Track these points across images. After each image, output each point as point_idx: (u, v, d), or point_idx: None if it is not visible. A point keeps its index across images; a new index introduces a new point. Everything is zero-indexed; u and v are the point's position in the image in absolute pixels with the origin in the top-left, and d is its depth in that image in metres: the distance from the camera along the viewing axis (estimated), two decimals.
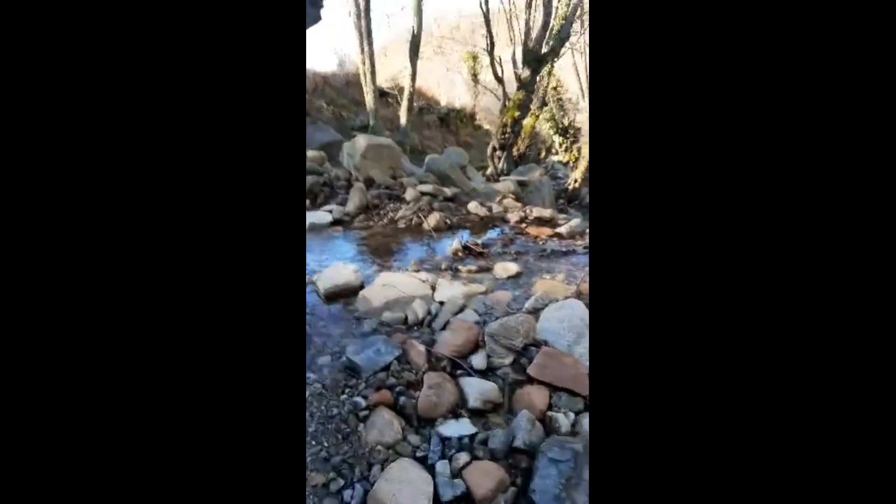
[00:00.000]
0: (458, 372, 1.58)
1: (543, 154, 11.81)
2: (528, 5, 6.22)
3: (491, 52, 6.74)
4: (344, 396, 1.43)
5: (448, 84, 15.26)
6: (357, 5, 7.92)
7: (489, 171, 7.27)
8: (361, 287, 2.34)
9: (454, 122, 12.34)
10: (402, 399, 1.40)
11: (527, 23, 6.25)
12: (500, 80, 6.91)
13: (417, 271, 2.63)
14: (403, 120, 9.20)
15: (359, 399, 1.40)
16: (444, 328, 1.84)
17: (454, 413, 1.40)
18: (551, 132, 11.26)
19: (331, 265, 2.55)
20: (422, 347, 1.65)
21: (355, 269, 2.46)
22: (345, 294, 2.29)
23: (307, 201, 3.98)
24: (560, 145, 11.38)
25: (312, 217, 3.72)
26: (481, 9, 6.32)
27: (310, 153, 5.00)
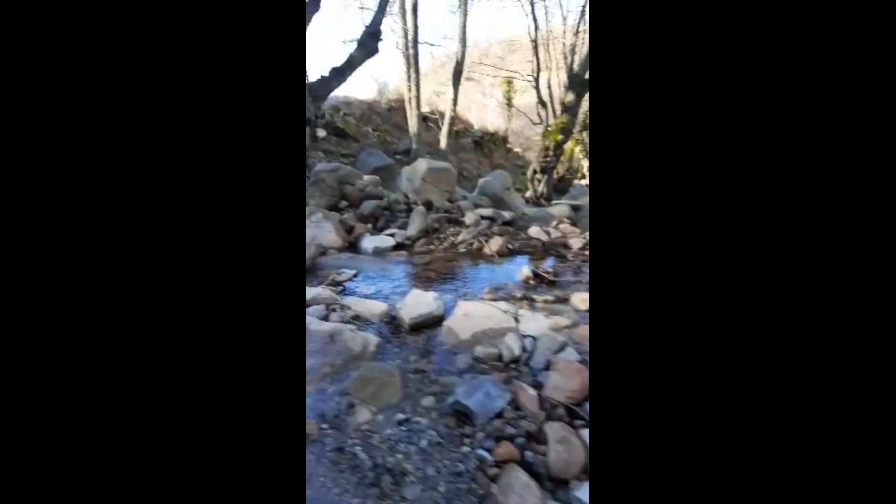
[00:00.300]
0: (577, 422, 1.42)
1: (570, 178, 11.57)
2: (575, 31, 6.16)
3: (537, 77, 6.68)
4: (466, 449, 1.29)
5: (479, 108, 15.37)
6: (405, 35, 8.11)
7: (528, 193, 7.13)
8: (443, 317, 2.23)
9: (487, 146, 12.33)
10: (529, 454, 1.25)
11: (572, 48, 6.17)
12: (543, 104, 6.83)
13: (493, 300, 2.49)
14: (443, 143, 9.25)
15: (482, 452, 1.26)
16: (546, 368, 1.69)
17: (587, 472, 1.23)
18: (580, 156, 11.05)
19: (409, 293, 2.45)
20: (532, 392, 1.50)
21: (435, 296, 2.35)
22: (428, 324, 2.17)
23: (369, 225, 3.95)
24: (588, 169, 11.14)
25: (375, 241, 3.67)
26: (529, 35, 6.30)
27: (366, 177, 5.02)
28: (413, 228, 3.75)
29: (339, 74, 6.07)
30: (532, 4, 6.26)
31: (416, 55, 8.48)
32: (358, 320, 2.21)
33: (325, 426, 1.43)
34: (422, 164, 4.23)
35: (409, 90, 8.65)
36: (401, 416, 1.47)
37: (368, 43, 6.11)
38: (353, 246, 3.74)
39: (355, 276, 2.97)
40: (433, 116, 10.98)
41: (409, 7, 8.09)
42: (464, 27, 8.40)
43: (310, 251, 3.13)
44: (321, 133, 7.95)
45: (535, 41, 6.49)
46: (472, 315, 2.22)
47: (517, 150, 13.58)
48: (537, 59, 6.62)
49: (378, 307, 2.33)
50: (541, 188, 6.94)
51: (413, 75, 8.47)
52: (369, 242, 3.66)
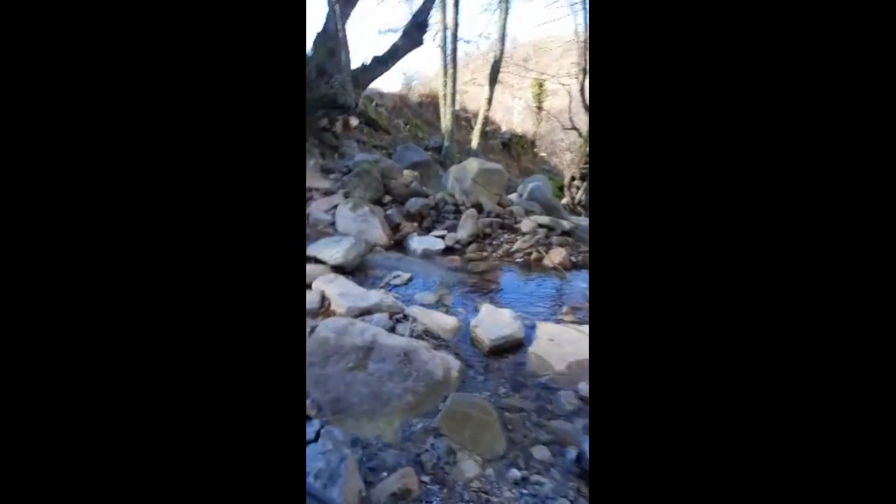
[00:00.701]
0: None
1: None
2: None
3: (583, 81, 6.36)
4: None
5: (504, 109, 15.04)
6: (444, 29, 7.82)
7: (564, 200, 6.82)
8: (523, 339, 1.94)
9: (516, 148, 11.99)
10: None
11: None
12: (588, 109, 6.51)
13: (574, 323, 2.20)
14: (475, 143, 8.96)
15: None
16: None
17: None
18: None
19: (480, 308, 2.16)
20: None
21: (513, 314, 2.06)
22: (510, 348, 1.89)
23: (415, 223, 3.67)
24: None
25: (424, 242, 3.40)
26: (575, 36, 5.99)
27: (405, 172, 4.75)
28: (464, 232, 3.46)
29: (382, 63, 5.80)
30: (585, 3, 5.93)
31: (454, 51, 8.20)
32: (429, 335, 1.94)
33: (426, 479, 1.15)
34: (473, 164, 3.94)
35: (445, 86, 8.35)
36: (516, 474, 1.19)
37: (414, 33, 5.83)
38: (398, 245, 3.47)
39: (410, 280, 2.70)
40: (464, 114, 10.68)
41: (450, 1, 7.81)
42: (503, 25, 8.10)
43: (359, 247, 2.86)
44: (354, 122, 7.69)
45: (586, 42, 6.16)
46: (559, 341, 1.94)
47: (542, 154, 13.24)
48: (587, 62, 6.29)
49: (449, 322, 2.06)
50: (579, 196, 6.62)
51: (451, 71, 8.17)
52: (418, 243, 3.39)
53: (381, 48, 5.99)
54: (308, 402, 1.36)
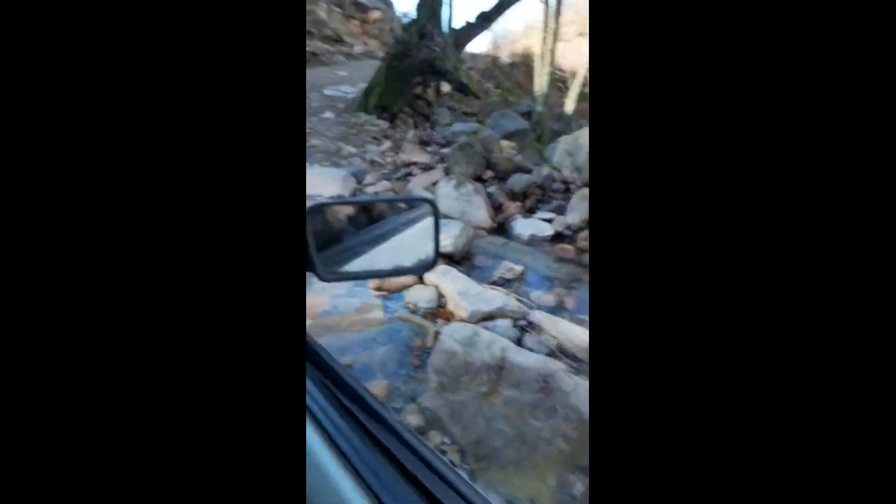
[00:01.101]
0: None
1: None
2: None
3: None
4: None
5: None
6: None
7: None
8: None
9: None
10: None
11: None
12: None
13: None
14: (570, 107, 8.06)
15: None
16: None
17: None
18: None
19: None
20: None
21: None
22: None
23: (518, 203, 3.30)
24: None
25: (531, 226, 3.03)
26: None
27: (503, 143, 4.32)
28: (576, 216, 3.02)
29: (486, 20, 5.23)
30: None
31: (559, 2, 7.24)
32: (562, 353, 1.64)
33: None
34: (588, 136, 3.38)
35: (545, 42, 7.47)
36: None
37: None
38: (500, 227, 3.16)
39: (523, 274, 2.40)
40: (559, 74, 9.61)
41: None
42: None
43: (468, 233, 2.60)
44: (446, 87, 7.27)
45: None
46: None
47: None
48: None
49: (581, 335, 1.73)
50: None
51: (552, 26, 7.26)
52: (523, 227, 3.04)
53: (484, 3, 5.41)
54: (447, 439, 1.16)
